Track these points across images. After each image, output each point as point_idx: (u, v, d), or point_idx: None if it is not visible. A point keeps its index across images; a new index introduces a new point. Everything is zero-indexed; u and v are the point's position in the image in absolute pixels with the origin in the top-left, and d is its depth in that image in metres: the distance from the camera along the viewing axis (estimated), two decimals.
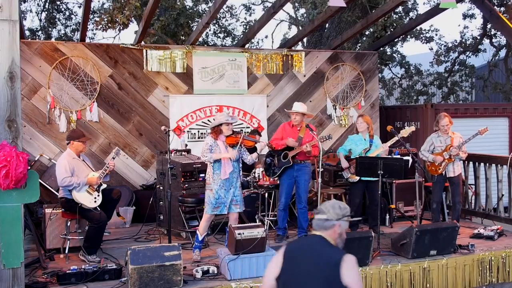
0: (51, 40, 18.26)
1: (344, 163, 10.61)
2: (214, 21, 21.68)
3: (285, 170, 10.12)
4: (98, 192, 9.00)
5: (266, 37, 45.62)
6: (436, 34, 22.29)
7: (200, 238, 9.19)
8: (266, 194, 10.78)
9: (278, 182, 10.53)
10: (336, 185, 12.02)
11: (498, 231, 10.39)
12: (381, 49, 19.58)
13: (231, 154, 8.95)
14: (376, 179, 9.85)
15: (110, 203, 9.39)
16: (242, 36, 20.92)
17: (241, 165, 9.28)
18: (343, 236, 4.77)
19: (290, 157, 10.01)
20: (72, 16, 21.79)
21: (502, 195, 11.55)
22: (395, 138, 10.37)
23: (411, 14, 21.20)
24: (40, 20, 21.69)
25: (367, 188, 10.62)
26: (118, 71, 12.82)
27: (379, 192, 9.73)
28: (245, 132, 10.79)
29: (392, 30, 19.30)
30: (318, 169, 10.12)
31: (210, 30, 22.42)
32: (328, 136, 10.12)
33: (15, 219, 6.90)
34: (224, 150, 8.99)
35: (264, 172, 10.83)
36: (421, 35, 21.87)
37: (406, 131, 10.39)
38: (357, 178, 10.34)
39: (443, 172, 10.76)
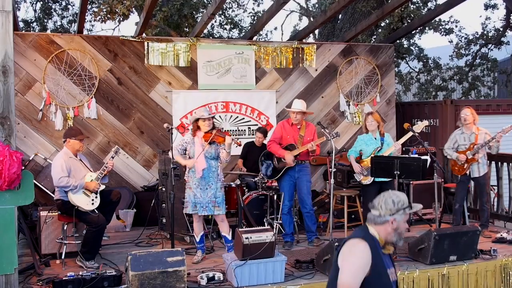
0: (46, 32, 18.35)
1: (356, 167, 10.54)
2: (220, 12, 21.68)
3: (286, 171, 10.11)
4: (96, 194, 8.98)
5: (276, 28, 45.49)
6: (456, 26, 22.23)
7: (197, 239, 9.33)
8: (275, 196, 10.74)
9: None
10: (350, 186, 11.98)
11: None
12: (398, 41, 19.56)
13: (188, 162, 9.11)
14: (391, 179, 9.84)
15: (109, 205, 9.36)
16: (249, 27, 20.92)
17: (219, 164, 9.31)
18: (400, 230, 4.85)
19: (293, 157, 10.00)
20: (69, 6, 21.90)
21: None
22: (408, 134, 10.32)
23: (429, 4, 21.17)
24: (35, 10, 21.79)
25: (381, 189, 10.56)
26: (117, 65, 12.82)
27: None
28: (251, 129, 10.69)
29: (409, 21, 19.24)
30: (330, 169, 10.08)
31: (215, 22, 22.44)
32: (335, 133, 10.05)
33: (8, 223, 6.91)
34: (199, 147, 9.05)
35: (262, 174, 10.79)
36: (440, 27, 21.80)
37: (419, 126, 10.34)
38: (370, 180, 10.31)
39: (467, 172, 10.72)
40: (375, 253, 4.75)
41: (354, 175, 10.74)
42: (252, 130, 13.59)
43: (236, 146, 9.39)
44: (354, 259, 4.77)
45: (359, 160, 10.59)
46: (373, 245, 4.79)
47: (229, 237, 9.21)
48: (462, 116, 10.74)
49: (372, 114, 10.69)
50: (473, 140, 10.62)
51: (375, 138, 10.53)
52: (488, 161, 11.41)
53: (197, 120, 9.15)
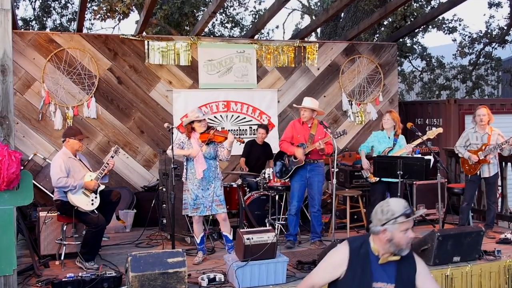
0: (45, 31, 18.30)
1: (365, 163, 10.54)
2: (221, 10, 21.71)
3: (297, 170, 10.07)
4: (96, 194, 8.95)
5: (277, 27, 45.58)
6: (460, 24, 22.25)
7: (198, 241, 9.31)
8: (277, 197, 10.73)
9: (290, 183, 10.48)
10: (352, 187, 11.98)
11: None
12: (401, 40, 19.54)
13: (193, 151, 9.01)
14: (399, 180, 9.85)
15: (109, 205, 9.34)
16: (251, 26, 20.93)
17: (217, 163, 9.30)
18: (396, 240, 4.65)
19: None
20: (68, 4, 21.90)
21: None
22: (420, 140, 10.29)
23: (432, 2, 21.17)
24: (34, 9, 21.80)
25: (389, 189, 10.55)
26: (117, 64, 12.82)
27: (399, 195, 9.66)
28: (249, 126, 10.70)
29: (412, 19, 19.23)
30: (332, 169, 10.06)
31: (216, 20, 22.45)
32: (342, 131, 10.03)
33: (7, 223, 6.90)
34: (197, 148, 9.04)
35: (273, 173, 10.79)
36: (444, 25, 21.81)
37: (433, 132, 10.32)
38: (377, 178, 10.30)
39: (478, 172, 10.69)
40: (357, 259, 4.70)
41: (362, 171, 10.74)
42: (254, 130, 13.58)
43: (240, 144, 9.39)
44: (326, 258, 4.85)
45: (369, 157, 10.60)
46: (359, 251, 4.74)
47: (230, 237, 9.19)
48: (478, 116, 10.62)
49: (390, 112, 10.67)
50: (486, 141, 10.56)
51: (389, 138, 10.51)
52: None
53: (191, 122, 9.16)
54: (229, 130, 12.45)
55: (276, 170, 10.44)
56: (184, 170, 9.21)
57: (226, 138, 8.98)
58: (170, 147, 9.00)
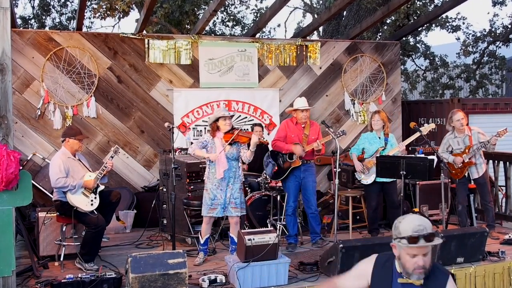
0: (45, 29, 18.35)
1: (357, 165, 10.56)
2: (222, 9, 21.70)
3: (292, 171, 10.06)
4: (95, 194, 8.95)
5: (279, 25, 45.36)
6: (464, 23, 22.22)
7: (202, 241, 9.30)
8: (279, 197, 10.72)
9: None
10: (355, 187, 11.97)
11: None
12: (404, 39, 19.52)
13: (212, 156, 9.00)
14: (392, 179, 9.84)
15: (109, 206, 9.33)
16: (252, 24, 20.92)
17: (240, 164, 9.30)
18: (402, 261, 4.39)
19: (298, 157, 9.96)
20: (68, 3, 21.90)
21: None
22: (415, 135, 10.33)
23: (436, 0, 21.13)
24: (33, 7, 21.81)
25: (383, 189, 10.55)
26: (117, 62, 12.81)
27: (401, 194, 9.66)
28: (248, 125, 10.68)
29: (415, 18, 19.20)
30: (335, 170, 10.05)
31: (217, 18, 22.47)
32: (342, 131, 10.04)
33: (5, 224, 6.90)
34: (220, 148, 9.02)
35: (267, 174, 10.76)
36: (447, 24, 21.79)
37: (425, 128, 10.36)
38: (371, 179, 10.33)
39: (465, 174, 10.69)
40: (380, 272, 4.54)
41: (355, 174, 10.77)
42: (245, 128, 13.58)
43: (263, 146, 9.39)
44: (355, 265, 4.81)
45: (362, 159, 10.61)
46: (384, 264, 4.57)
47: (236, 240, 9.18)
48: (458, 121, 10.52)
49: (379, 113, 10.70)
50: (468, 143, 10.54)
51: (379, 138, 10.55)
52: (486, 159, 11.27)
53: (216, 120, 9.14)
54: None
55: (268, 172, 10.42)
56: (207, 169, 9.23)
57: (250, 139, 8.98)
58: (192, 146, 9.04)
